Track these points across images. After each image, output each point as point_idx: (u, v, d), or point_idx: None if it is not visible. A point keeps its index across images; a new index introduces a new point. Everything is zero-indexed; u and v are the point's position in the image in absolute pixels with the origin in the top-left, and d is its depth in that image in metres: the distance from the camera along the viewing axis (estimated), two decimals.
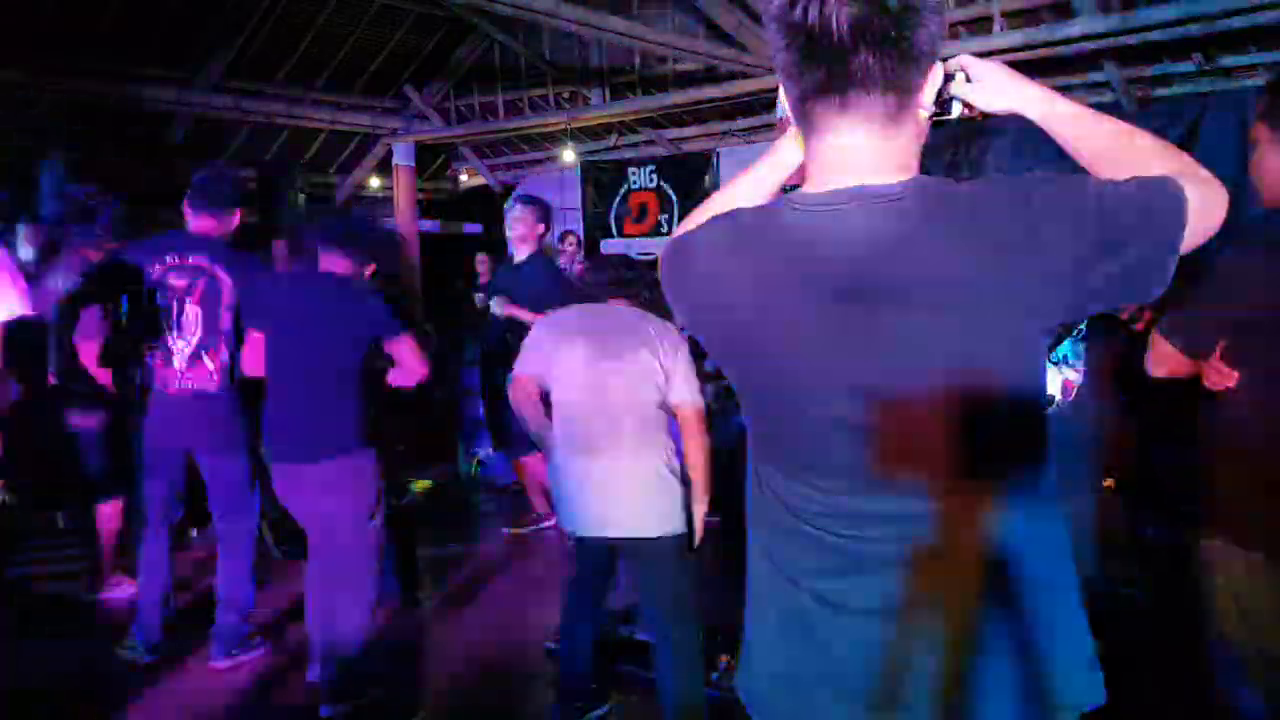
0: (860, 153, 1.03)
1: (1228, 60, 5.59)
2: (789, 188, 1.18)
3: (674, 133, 8.57)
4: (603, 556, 2.85)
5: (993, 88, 1.12)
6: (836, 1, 0.95)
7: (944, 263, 0.98)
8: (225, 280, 3.26)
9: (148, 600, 3.40)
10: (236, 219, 3.40)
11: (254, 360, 3.05)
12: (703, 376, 3.64)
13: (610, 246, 9.16)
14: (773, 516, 1.16)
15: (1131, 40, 5.11)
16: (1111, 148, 1.07)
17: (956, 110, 1.14)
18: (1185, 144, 5.56)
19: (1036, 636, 1.06)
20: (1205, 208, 0.99)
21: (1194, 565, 1.93)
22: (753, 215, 1.13)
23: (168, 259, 3.27)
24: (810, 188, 1.07)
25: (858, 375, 1.03)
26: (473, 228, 10.75)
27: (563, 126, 8.06)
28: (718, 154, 8.29)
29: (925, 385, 1.02)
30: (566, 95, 8.22)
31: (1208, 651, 1.94)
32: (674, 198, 8.59)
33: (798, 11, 0.96)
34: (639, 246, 8.88)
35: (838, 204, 1.03)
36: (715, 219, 1.16)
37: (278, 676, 3.34)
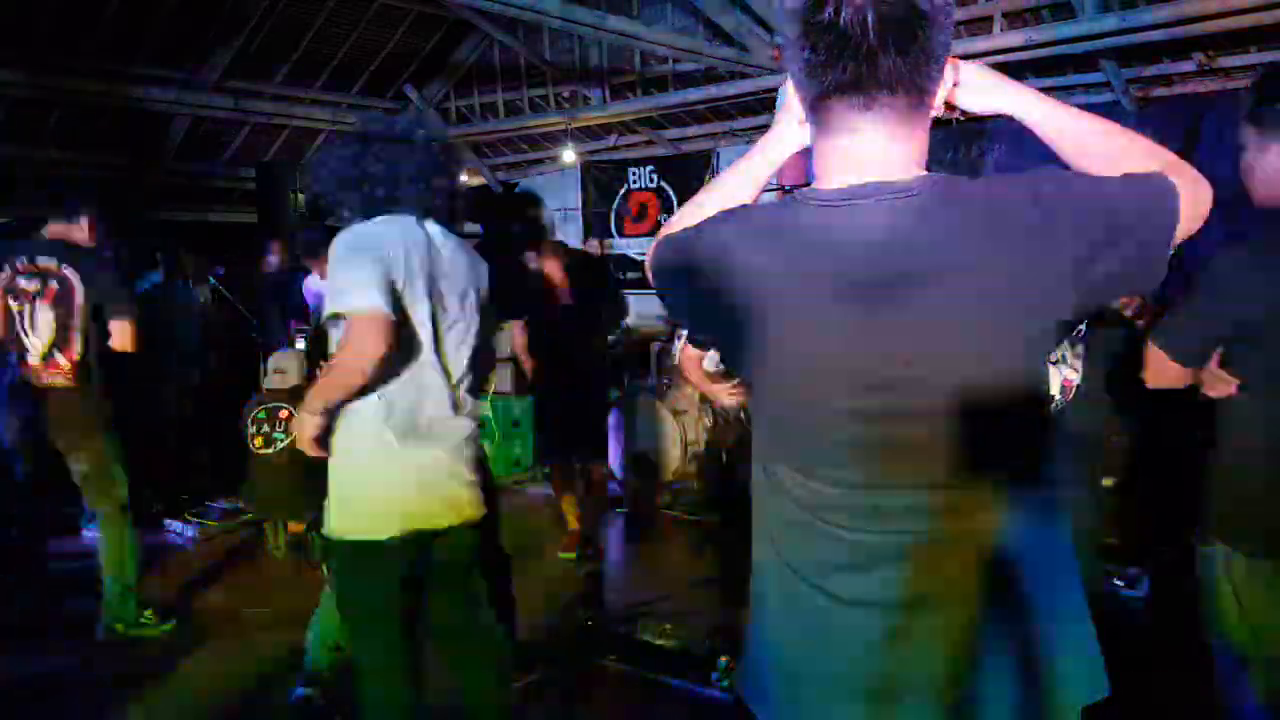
0: (878, 151, 1.04)
1: (1228, 60, 5.59)
2: (788, 187, 1.19)
3: (674, 133, 8.57)
4: None
5: (977, 89, 1.13)
6: (866, 2, 0.96)
7: (958, 257, 1.00)
8: (76, 281, 3.53)
9: None
10: (85, 222, 3.66)
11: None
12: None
13: (611, 246, 9.16)
14: (782, 512, 1.16)
15: (1131, 40, 5.11)
16: (1096, 145, 1.08)
17: (941, 112, 1.14)
18: (1185, 144, 5.56)
19: (1040, 631, 1.07)
20: (1193, 200, 1.02)
21: (1194, 565, 1.93)
22: (766, 211, 1.14)
23: (18, 264, 3.52)
24: (825, 184, 1.08)
25: (872, 369, 1.04)
26: (473, 227, 10.75)
27: (563, 126, 8.06)
28: (718, 154, 8.29)
29: (939, 380, 1.03)
30: (566, 95, 8.22)
31: (1208, 651, 1.94)
32: (674, 198, 8.60)
33: (827, 11, 0.97)
34: (639, 246, 8.89)
35: (855, 199, 1.04)
36: (724, 214, 1.17)
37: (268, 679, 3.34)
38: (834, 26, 0.97)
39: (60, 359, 3.53)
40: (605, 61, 7.72)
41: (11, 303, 3.52)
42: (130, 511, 3.70)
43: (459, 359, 2.21)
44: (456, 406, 2.20)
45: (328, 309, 2.04)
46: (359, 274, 1.99)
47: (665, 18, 6.94)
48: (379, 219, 2.14)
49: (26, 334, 3.52)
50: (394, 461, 2.09)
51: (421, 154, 2.19)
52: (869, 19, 0.96)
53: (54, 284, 3.52)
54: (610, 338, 4.69)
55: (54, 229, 3.62)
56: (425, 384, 2.12)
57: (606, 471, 4.62)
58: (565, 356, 4.52)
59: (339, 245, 2.06)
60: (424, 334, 2.10)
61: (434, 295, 2.12)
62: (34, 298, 3.51)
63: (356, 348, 1.97)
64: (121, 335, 3.53)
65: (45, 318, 3.51)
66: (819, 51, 1.00)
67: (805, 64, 1.03)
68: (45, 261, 3.53)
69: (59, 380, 3.54)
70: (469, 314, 2.24)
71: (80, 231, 3.65)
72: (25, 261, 3.53)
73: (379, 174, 2.15)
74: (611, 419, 5.01)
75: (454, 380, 2.20)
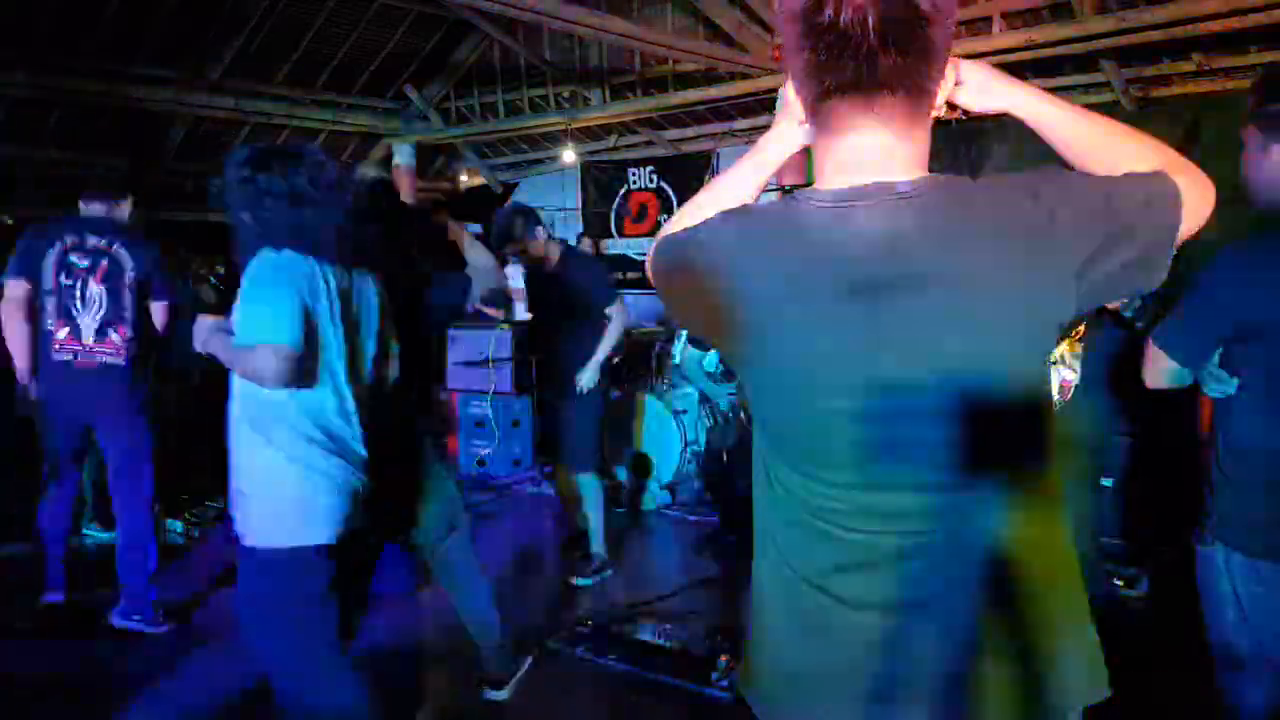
0: (880, 151, 1.04)
1: (1227, 61, 5.59)
2: (787, 187, 1.19)
3: (674, 133, 8.58)
4: None
5: (981, 89, 1.13)
6: (867, 2, 0.95)
7: (960, 258, 1.00)
8: (126, 259, 3.59)
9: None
10: (127, 205, 3.73)
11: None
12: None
13: (610, 246, 9.17)
14: (784, 513, 1.16)
15: (1131, 40, 5.11)
16: (1100, 145, 1.08)
17: (943, 112, 1.14)
18: (1185, 144, 5.56)
19: (1040, 632, 1.07)
20: (1196, 200, 1.02)
21: (1194, 565, 1.93)
22: (767, 211, 1.13)
23: (68, 240, 3.56)
24: (826, 184, 1.08)
25: (872, 369, 1.04)
26: (473, 228, 10.76)
27: (563, 126, 8.07)
28: (717, 154, 8.29)
29: (938, 380, 1.03)
30: (566, 95, 8.22)
31: (1208, 651, 1.94)
32: (674, 198, 8.60)
33: (827, 12, 0.97)
34: (639, 246, 8.89)
35: (857, 200, 1.04)
36: (724, 215, 1.16)
37: None
38: (834, 26, 0.97)
39: (113, 335, 3.58)
40: (605, 61, 7.72)
41: (63, 279, 3.54)
42: (157, 504, 3.75)
43: (361, 383, 2.31)
44: (360, 427, 2.28)
45: (239, 338, 2.09)
46: (276, 306, 2.07)
47: (665, 18, 6.94)
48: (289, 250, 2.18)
49: (78, 311, 3.55)
50: (318, 470, 2.16)
51: (347, 215, 2.27)
52: (869, 19, 0.96)
53: (105, 261, 3.56)
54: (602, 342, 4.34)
55: (94, 209, 3.64)
56: (334, 403, 2.21)
57: (595, 477, 4.38)
58: (553, 359, 4.47)
59: (256, 273, 2.13)
60: (333, 359, 2.20)
61: (345, 323, 2.23)
62: (85, 274, 3.55)
63: (258, 374, 2.06)
64: (158, 316, 3.66)
65: (97, 293, 3.55)
66: (819, 51, 1.00)
67: (805, 64, 1.02)
68: (95, 240, 3.56)
69: (109, 357, 3.57)
70: (372, 341, 2.36)
71: (122, 213, 3.69)
72: (75, 239, 3.56)
73: (310, 220, 2.19)
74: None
75: (359, 403, 2.28)
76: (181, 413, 5.70)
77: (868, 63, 0.98)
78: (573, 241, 8.24)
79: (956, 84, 1.11)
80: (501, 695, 3.11)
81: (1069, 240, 0.99)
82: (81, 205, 3.65)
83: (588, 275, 4.27)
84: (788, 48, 1.04)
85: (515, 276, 5.05)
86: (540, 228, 4.22)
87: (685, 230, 1.19)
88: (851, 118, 1.03)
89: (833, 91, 1.02)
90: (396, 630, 3.70)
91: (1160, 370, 1.89)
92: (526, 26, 7.58)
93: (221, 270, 6.86)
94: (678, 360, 5.51)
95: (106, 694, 3.20)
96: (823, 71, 1.01)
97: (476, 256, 3.10)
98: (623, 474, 5.70)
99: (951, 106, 1.13)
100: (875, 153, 1.04)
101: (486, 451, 6.16)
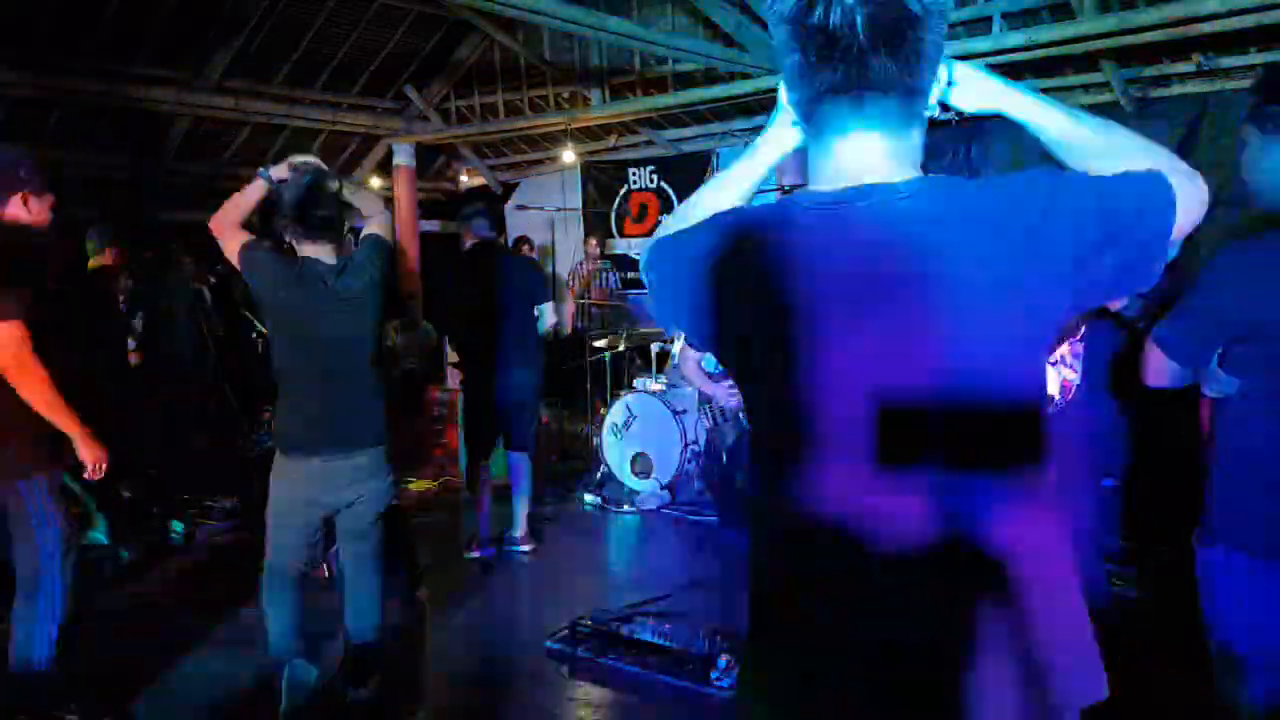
0: (873, 152, 1.04)
1: (1227, 61, 5.59)
2: (786, 188, 1.19)
3: (674, 133, 8.57)
4: None
5: (974, 90, 1.13)
6: (856, 3, 0.95)
7: (955, 259, 1.00)
8: None
9: None
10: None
11: None
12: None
13: (611, 246, 9.16)
14: (781, 515, 1.16)
15: (1131, 40, 5.11)
16: (1094, 145, 1.08)
17: (936, 112, 1.14)
18: (1185, 144, 5.56)
19: (1039, 632, 1.07)
20: (1190, 199, 1.02)
21: (1194, 565, 1.93)
22: (761, 213, 1.13)
23: None
24: (820, 186, 1.08)
25: (868, 371, 1.04)
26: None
27: (563, 126, 8.06)
28: (717, 154, 8.29)
29: (935, 382, 1.03)
30: (566, 95, 8.22)
31: (1208, 651, 1.94)
32: (674, 198, 8.60)
33: (817, 13, 0.97)
34: (639, 246, 8.88)
35: (850, 202, 1.04)
36: (719, 217, 1.16)
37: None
38: (824, 28, 0.97)
39: None
40: (605, 61, 7.72)
41: None
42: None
43: None
44: None
45: None
46: None
47: (665, 18, 6.94)
48: None
49: None
50: None
51: None
52: (858, 20, 0.96)
53: None
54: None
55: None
56: None
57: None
58: None
59: None
60: None
61: None
62: None
63: None
64: None
65: None
66: (809, 54, 1.00)
67: (796, 66, 1.03)
68: None
69: None
70: None
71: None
72: None
73: None
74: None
75: None
76: (179, 413, 5.71)
77: (858, 64, 0.98)
78: (573, 244, 8.31)
79: (949, 84, 1.11)
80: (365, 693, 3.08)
81: (1065, 240, 0.99)
82: None
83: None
84: (780, 49, 1.04)
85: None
86: (476, 220, 4.67)
87: (680, 231, 1.19)
88: (843, 120, 1.04)
89: (824, 93, 1.02)
90: (392, 632, 3.71)
91: (1160, 370, 1.89)
92: (526, 26, 7.58)
93: (222, 269, 6.86)
94: (677, 360, 5.52)
95: (107, 694, 3.20)
96: (813, 73, 1.01)
97: (360, 200, 3.01)
98: (626, 475, 5.71)
99: (945, 107, 1.13)
100: (869, 154, 1.04)
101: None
